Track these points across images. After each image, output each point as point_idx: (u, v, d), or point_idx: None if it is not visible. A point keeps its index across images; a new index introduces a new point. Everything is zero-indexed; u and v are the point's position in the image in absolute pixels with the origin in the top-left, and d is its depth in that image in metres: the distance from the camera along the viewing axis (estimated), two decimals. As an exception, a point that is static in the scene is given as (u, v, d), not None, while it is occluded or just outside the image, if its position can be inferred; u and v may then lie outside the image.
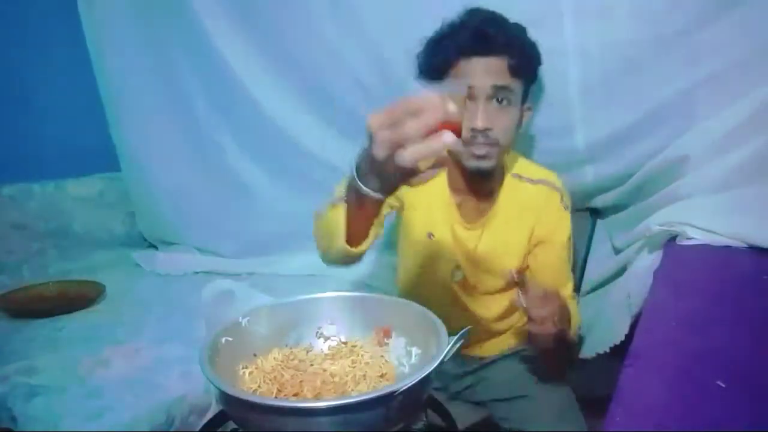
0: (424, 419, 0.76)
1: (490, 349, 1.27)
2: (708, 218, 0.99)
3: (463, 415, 1.32)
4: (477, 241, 1.16)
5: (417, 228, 1.18)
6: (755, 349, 0.61)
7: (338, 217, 0.76)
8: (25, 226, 1.83)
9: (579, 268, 1.38)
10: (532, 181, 1.16)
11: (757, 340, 0.63)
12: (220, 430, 0.81)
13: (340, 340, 0.80)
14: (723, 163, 1.08)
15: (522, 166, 1.18)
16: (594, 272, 1.42)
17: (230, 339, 0.73)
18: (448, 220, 1.16)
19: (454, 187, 1.16)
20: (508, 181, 1.16)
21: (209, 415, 1.11)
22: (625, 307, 1.17)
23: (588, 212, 1.44)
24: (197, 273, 1.84)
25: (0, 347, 1.29)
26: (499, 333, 1.26)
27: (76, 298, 1.55)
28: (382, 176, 0.63)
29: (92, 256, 1.92)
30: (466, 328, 0.67)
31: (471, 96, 1.02)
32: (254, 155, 1.74)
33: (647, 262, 1.10)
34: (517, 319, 1.24)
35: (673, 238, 1.04)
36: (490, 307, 1.22)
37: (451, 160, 1.13)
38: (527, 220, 1.14)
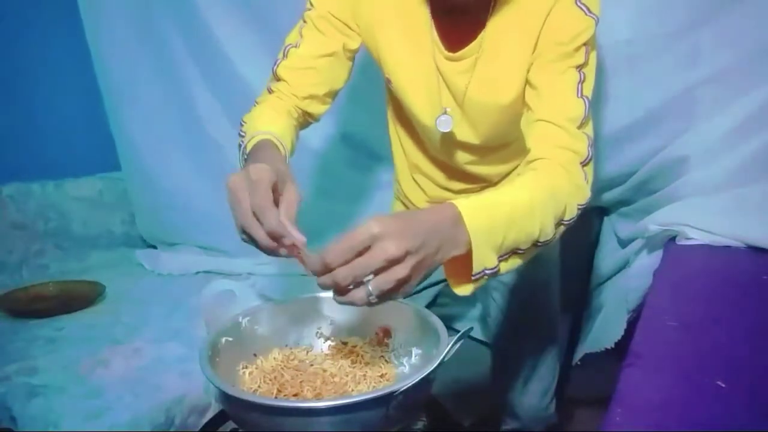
0: (424, 419, 0.76)
1: None
2: (708, 218, 0.99)
3: (464, 412, 1.32)
4: (469, 76, 0.87)
5: (385, 65, 0.92)
6: (755, 349, 0.61)
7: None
8: (25, 226, 1.83)
9: (587, 263, 1.37)
10: None
11: (757, 340, 0.63)
12: (220, 430, 0.81)
13: (340, 340, 0.80)
14: (723, 163, 1.08)
15: None
16: (601, 267, 1.42)
17: (230, 339, 0.73)
18: (426, 49, 0.87)
19: (434, 4, 0.85)
20: None
21: (209, 415, 1.12)
22: (622, 307, 1.17)
23: (595, 210, 1.44)
24: (197, 273, 1.84)
25: (0, 347, 1.29)
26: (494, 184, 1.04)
27: (76, 298, 1.55)
28: None
29: (92, 256, 1.92)
30: (468, 327, 0.67)
31: None
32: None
33: (646, 261, 1.11)
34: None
35: (673, 238, 1.04)
36: (484, 158, 0.98)
37: None
38: (530, 30, 0.81)
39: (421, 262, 0.55)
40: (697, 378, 0.55)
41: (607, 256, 1.42)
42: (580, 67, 0.81)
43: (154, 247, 2.04)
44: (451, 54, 0.87)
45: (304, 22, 0.92)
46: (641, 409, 0.49)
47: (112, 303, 1.57)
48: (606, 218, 1.47)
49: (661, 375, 0.56)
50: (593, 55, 0.83)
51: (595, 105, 1.20)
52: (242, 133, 0.84)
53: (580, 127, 0.80)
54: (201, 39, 1.61)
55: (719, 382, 0.53)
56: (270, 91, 0.92)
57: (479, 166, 1.00)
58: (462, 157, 0.99)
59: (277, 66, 0.91)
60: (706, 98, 1.10)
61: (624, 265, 1.33)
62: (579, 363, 1.36)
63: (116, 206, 2.05)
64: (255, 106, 0.91)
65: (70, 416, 1.03)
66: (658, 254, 1.04)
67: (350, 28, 0.91)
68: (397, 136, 1.09)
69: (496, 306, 1.12)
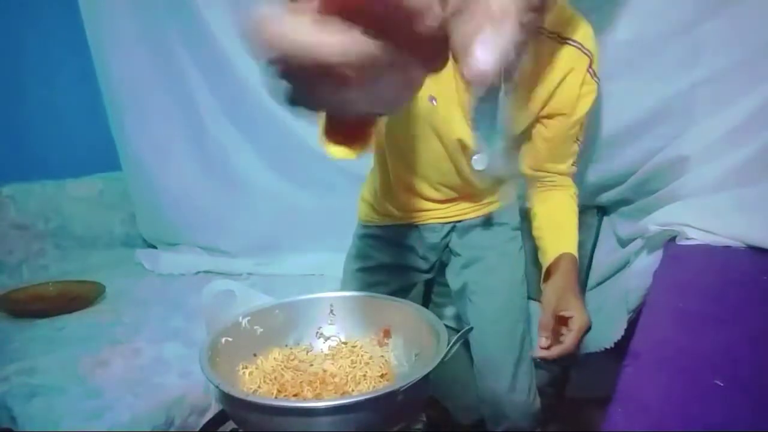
0: (424, 419, 0.76)
1: (465, 211, 1.14)
2: (708, 218, 0.99)
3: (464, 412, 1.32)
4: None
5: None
6: (755, 349, 0.61)
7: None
8: (25, 226, 1.83)
9: (586, 263, 1.37)
10: (559, 38, 0.94)
11: (757, 340, 0.63)
12: (220, 430, 0.81)
13: (340, 340, 0.80)
14: (723, 163, 1.08)
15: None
16: (601, 266, 1.42)
17: (230, 339, 0.73)
18: (452, 83, 0.94)
19: None
20: None
21: (209, 415, 1.12)
22: (622, 307, 1.17)
23: (594, 209, 1.45)
24: (197, 273, 1.84)
25: (0, 347, 1.29)
26: (477, 195, 1.13)
27: (76, 298, 1.55)
28: None
29: (92, 256, 1.92)
30: (467, 328, 0.67)
31: None
32: (257, 154, 1.74)
33: (646, 261, 1.11)
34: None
35: (673, 238, 1.04)
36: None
37: None
38: (546, 86, 0.96)
39: None
40: (697, 378, 0.55)
41: (607, 256, 1.42)
42: (577, 139, 1.02)
43: (154, 247, 2.04)
44: None
45: None
46: (641, 409, 0.49)
47: (112, 303, 1.57)
48: (606, 218, 1.47)
49: (661, 375, 0.56)
50: (590, 109, 0.99)
51: (596, 105, 1.20)
52: None
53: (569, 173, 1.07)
54: (202, 39, 1.61)
55: (718, 382, 0.53)
56: None
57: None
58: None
59: None
60: (706, 98, 1.10)
61: (624, 265, 1.33)
62: (579, 363, 1.36)
63: (116, 206, 2.06)
64: None
65: (70, 416, 1.03)
66: (658, 254, 1.04)
67: None
68: (384, 155, 1.08)
69: (474, 308, 1.13)
